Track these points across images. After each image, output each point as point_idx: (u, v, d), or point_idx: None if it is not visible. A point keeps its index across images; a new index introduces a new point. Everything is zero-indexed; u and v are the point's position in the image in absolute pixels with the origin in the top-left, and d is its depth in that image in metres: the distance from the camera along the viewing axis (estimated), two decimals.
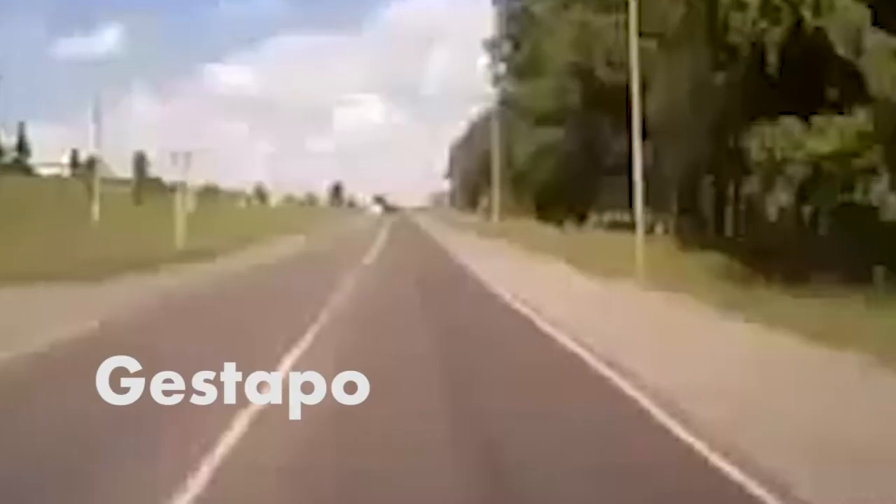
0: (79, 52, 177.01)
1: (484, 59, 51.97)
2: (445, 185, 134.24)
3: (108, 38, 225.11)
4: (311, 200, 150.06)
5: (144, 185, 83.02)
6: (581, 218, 40.04)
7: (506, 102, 49.38)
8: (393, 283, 20.97)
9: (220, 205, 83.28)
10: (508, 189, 56.42)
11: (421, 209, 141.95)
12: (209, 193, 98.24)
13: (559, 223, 39.14)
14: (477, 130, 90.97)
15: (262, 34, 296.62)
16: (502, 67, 49.88)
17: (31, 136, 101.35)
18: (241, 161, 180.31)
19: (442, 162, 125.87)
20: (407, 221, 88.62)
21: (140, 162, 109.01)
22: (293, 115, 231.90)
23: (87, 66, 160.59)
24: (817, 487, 5.16)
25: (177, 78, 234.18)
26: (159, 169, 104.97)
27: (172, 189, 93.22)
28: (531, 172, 43.41)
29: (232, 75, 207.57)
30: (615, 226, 36.47)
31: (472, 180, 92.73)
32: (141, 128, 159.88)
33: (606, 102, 33.54)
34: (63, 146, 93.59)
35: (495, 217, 53.47)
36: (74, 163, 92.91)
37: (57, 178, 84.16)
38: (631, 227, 33.36)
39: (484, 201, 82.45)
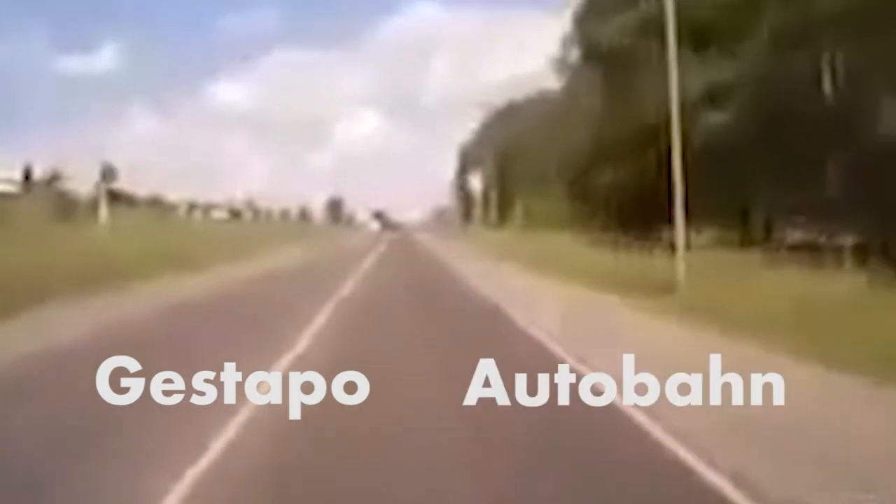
0: (76, 69, 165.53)
1: None
2: (447, 200, 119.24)
3: (105, 56, 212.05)
4: (304, 215, 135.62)
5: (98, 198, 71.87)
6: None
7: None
8: None
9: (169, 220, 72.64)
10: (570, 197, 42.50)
11: (423, 226, 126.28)
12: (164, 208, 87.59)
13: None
14: (495, 121, 77.98)
15: (259, 50, 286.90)
16: None
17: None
18: (239, 176, 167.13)
19: (445, 177, 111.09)
20: (408, 239, 73.46)
21: (108, 174, 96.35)
22: (291, 129, 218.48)
23: (84, 82, 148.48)
24: None
25: (174, 93, 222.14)
26: (127, 182, 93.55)
27: (130, 202, 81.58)
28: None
29: (229, 91, 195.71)
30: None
31: (498, 185, 77.10)
32: (132, 143, 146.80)
33: None
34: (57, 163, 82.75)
35: (681, 240, 20.23)
36: (27, 178, 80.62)
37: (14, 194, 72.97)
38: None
39: (517, 212, 68.36)
